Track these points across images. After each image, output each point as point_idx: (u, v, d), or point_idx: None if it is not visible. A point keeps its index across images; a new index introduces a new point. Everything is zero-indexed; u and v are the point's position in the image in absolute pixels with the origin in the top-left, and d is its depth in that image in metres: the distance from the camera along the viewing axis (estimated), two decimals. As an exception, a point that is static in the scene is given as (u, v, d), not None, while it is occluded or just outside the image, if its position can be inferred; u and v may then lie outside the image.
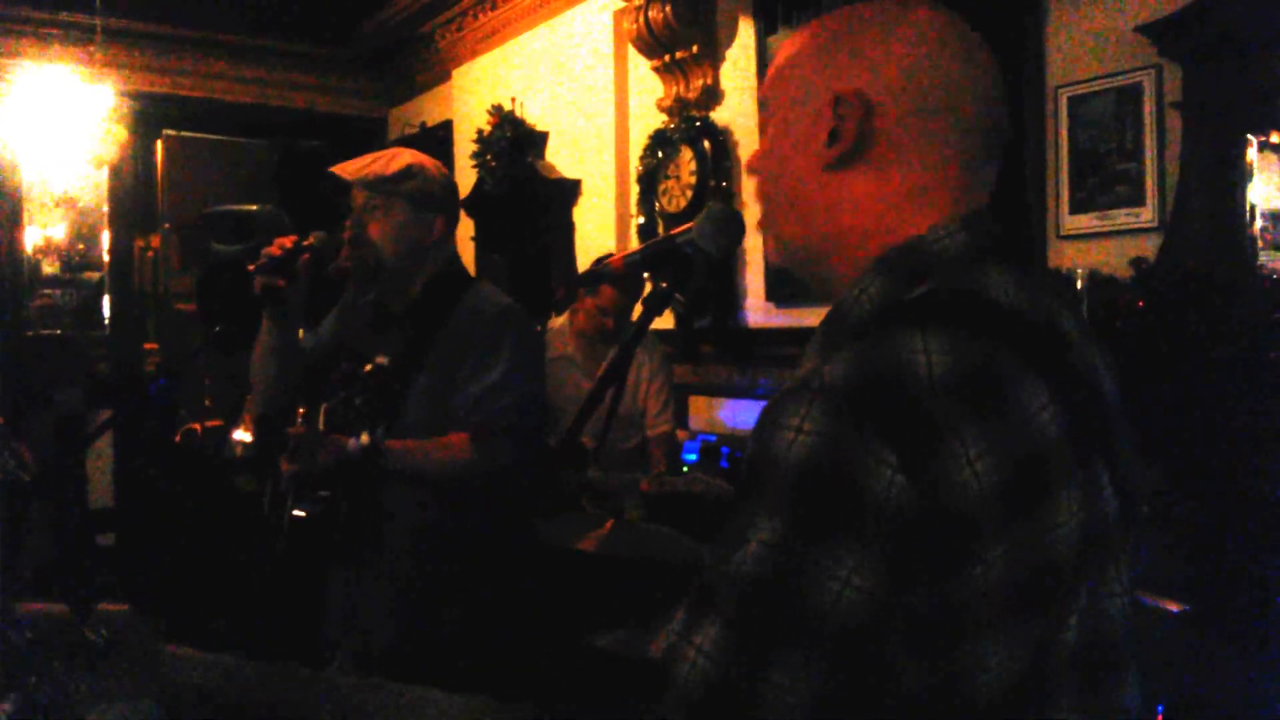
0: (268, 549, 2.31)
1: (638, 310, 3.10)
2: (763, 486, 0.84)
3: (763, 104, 1.11)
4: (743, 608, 0.81)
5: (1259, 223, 2.91)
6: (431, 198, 2.32)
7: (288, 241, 2.23)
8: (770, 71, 1.11)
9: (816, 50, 1.05)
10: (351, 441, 2.12)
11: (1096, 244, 3.27)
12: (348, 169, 2.28)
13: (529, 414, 2.29)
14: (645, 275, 2.36)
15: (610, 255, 3.80)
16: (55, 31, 6.41)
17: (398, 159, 2.30)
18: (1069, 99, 3.33)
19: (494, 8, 6.18)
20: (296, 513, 2.22)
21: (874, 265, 0.99)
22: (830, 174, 1.02)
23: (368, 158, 2.31)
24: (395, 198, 2.27)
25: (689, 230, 1.26)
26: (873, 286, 0.98)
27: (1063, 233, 3.37)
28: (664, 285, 1.26)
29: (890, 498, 0.79)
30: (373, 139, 7.78)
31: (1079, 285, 3.07)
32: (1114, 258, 3.16)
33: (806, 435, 0.82)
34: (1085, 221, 3.30)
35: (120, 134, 6.29)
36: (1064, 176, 3.35)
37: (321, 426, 2.23)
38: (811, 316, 4.33)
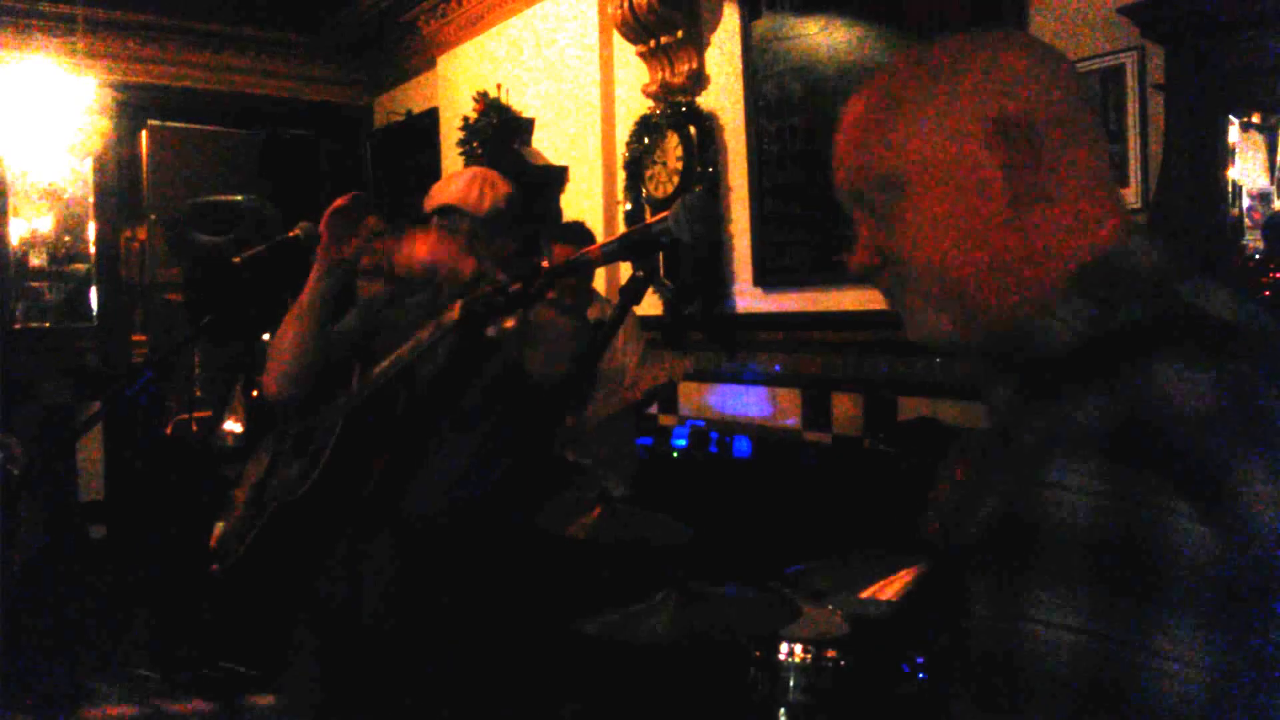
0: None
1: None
2: (1042, 558, 0.74)
3: (884, 183, 0.98)
4: (1074, 712, 0.71)
5: (1244, 203, 2.92)
6: (510, 225, 2.40)
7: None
8: (863, 152, 0.99)
9: (935, 91, 0.96)
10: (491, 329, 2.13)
11: (1081, 226, 3.27)
12: (438, 200, 2.34)
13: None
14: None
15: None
16: (36, 23, 6.37)
17: (486, 198, 2.34)
18: (1052, 81, 3.33)
19: (478, -6, 6.16)
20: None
21: (1066, 287, 0.92)
22: (1016, 210, 0.94)
23: (453, 187, 2.35)
24: (481, 232, 2.33)
25: (665, 219, 1.26)
26: (1069, 310, 0.91)
27: (1047, 215, 3.37)
28: (640, 274, 1.26)
29: (1199, 553, 0.71)
30: (358, 127, 7.76)
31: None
32: (1098, 239, 3.17)
33: (1088, 496, 0.73)
34: (1069, 203, 3.30)
35: (104, 125, 6.26)
36: (1048, 159, 3.35)
37: (457, 315, 2.27)
38: (798, 302, 4.35)
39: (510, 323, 2.06)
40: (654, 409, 4.90)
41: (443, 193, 2.37)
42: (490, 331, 2.10)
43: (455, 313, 1.99)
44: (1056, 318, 0.91)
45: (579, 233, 4.16)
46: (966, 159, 0.94)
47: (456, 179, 2.40)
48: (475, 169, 2.43)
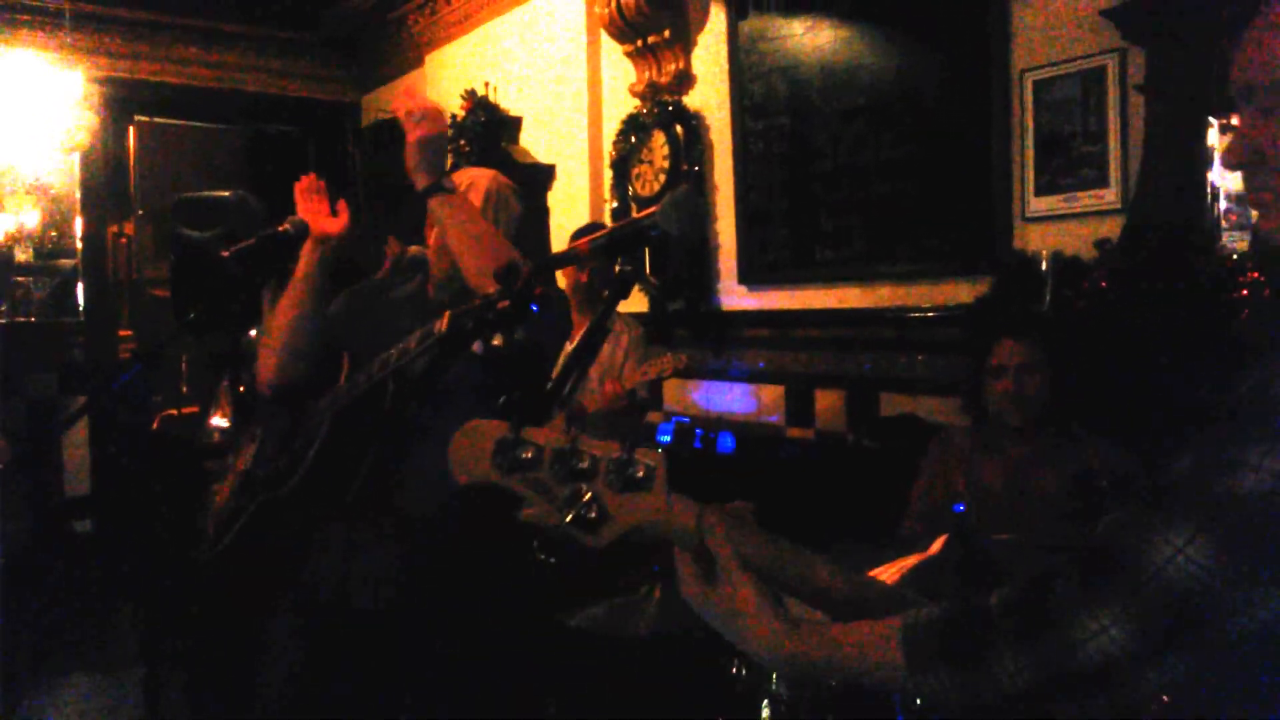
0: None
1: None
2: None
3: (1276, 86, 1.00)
4: None
5: (1222, 204, 2.96)
6: (511, 217, 2.39)
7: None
8: (1264, 51, 1.02)
9: None
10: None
11: (1061, 226, 3.32)
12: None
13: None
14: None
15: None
16: (24, 17, 6.35)
17: (495, 202, 2.36)
18: (1034, 82, 3.37)
19: (467, -8, 6.17)
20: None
21: None
22: None
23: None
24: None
25: (653, 214, 1.28)
26: None
27: (1028, 215, 3.41)
28: (629, 268, 1.29)
29: None
30: (345, 124, 7.76)
31: (1044, 267, 3.12)
32: (1078, 239, 3.21)
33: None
34: (1050, 203, 3.34)
35: (91, 120, 6.24)
36: (1029, 159, 3.39)
37: (445, 328, 2.30)
38: (782, 299, 4.38)
39: (498, 340, 2.07)
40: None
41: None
42: (476, 348, 2.11)
43: (443, 324, 2.01)
44: None
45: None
46: None
47: (466, 174, 2.41)
48: (492, 178, 2.42)
